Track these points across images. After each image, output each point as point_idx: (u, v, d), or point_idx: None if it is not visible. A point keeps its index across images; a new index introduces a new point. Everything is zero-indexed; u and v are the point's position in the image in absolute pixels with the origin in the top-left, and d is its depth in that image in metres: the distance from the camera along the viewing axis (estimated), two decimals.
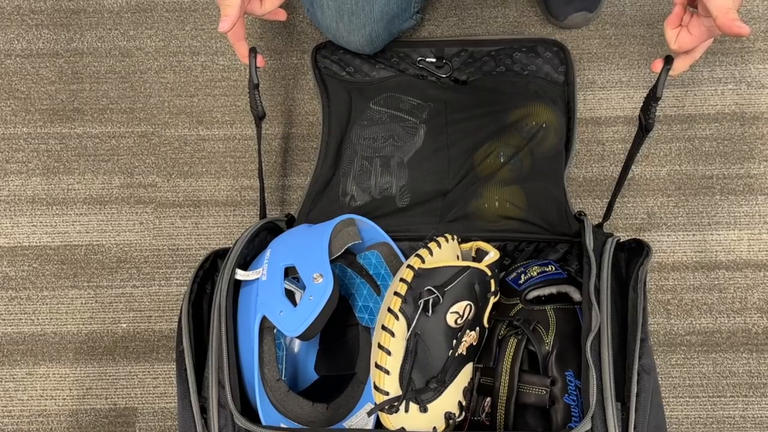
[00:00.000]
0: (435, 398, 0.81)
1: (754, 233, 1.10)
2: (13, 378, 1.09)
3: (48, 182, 1.16)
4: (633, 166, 1.12)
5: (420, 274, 0.83)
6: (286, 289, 0.84)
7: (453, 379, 0.83)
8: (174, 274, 1.12)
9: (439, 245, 0.87)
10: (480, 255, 0.92)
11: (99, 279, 1.12)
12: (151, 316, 1.11)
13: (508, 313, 0.90)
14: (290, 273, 0.86)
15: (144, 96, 1.18)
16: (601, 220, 1.03)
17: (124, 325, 1.11)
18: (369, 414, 0.85)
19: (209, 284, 0.90)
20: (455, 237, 0.92)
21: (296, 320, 0.80)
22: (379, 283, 0.92)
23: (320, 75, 1.14)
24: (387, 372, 0.79)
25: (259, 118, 0.95)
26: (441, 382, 0.82)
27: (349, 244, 0.92)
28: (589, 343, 0.78)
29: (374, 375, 0.80)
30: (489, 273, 0.86)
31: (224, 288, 0.83)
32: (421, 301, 0.81)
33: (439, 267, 0.84)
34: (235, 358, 0.83)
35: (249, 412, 0.82)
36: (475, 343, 0.86)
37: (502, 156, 1.06)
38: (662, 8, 1.18)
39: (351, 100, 1.12)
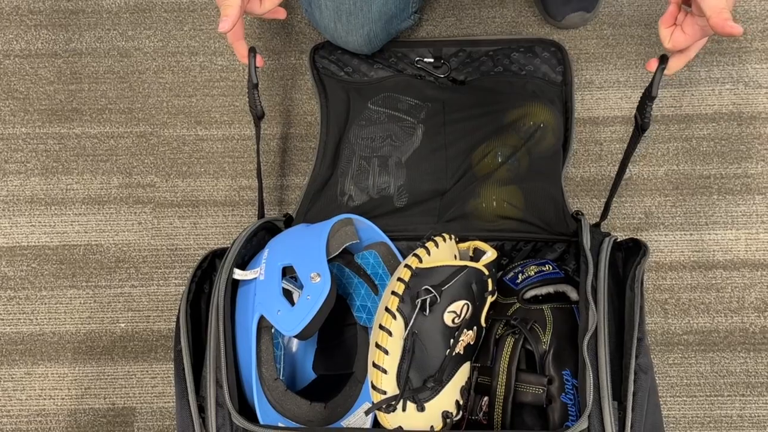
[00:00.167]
0: (432, 397, 0.81)
1: (752, 233, 1.10)
2: (12, 378, 1.10)
3: (47, 182, 1.16)
4: (631, 166, 1.12)
5: (417, 274, 0.83)
6: (283, 289, 0.84)
7: (450, 379, 0.83)
8: (172, 274, 1.12)
9: (437, 245, 0.87)
10: (477, 254, 0.92)
11: (97, 279, 1.12)
12: (149, 316, 1.11)
13: (505, 313, 0.90)
14: (288, 272, 0.86)
15: (142, 96, 1.19)
16: (598, 219, 1.03)
17: (123, 325, 1.11)
18: (366, 413, 0.85)
19: (207, 284, 0.90)
20: (453, 237, 0.92)
21: (294, 319, 0.80)
22: (376, 282, 0.92)
23: (318, 75, 1.14)
24: (384, 371, 0.79)
25: (258, 117, 0.95)
26: (438, 382, 0.82)
27: (347, 244, 0.92)
28: (585, 342, 0.78)
29: (372, 374, 0.80)
30: (486, 272, 0.87)
31: (222, 287, 0.84)
32: (419, 300, 0.81)
33: (437, 266, 0.84)
34: (233, 357, 0.83)
35: (247, 411, 0.82)
36: (472, 343, 0.86)
37: (500, 156, 1.06)
38: (659, 8, 1.18)
39: (349, 100, 1.12)
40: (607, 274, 0.84)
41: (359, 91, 1.13)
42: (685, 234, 1.10)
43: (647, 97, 0.82)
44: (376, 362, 0.80)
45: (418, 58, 1.15)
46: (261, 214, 1.03)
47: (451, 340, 0.83)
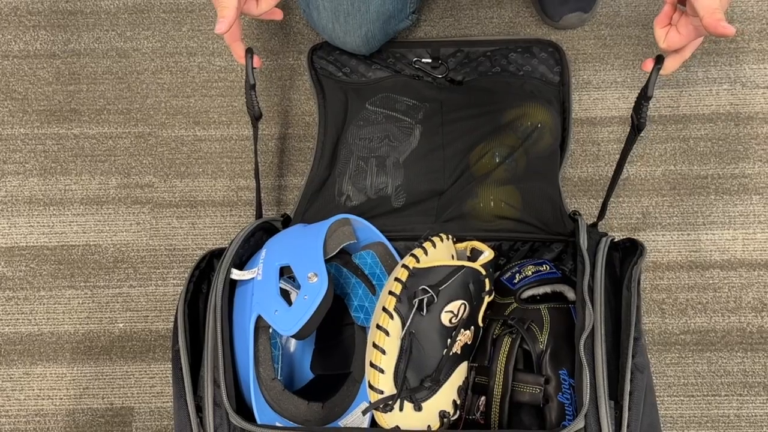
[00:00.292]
0: (429, 397, 0.82)
1: (749, 233, 1.10)
2: (11, 378, 1.10)
3: (45, 183, 1.16)
4: (628, 166, 1.13)
5: (415, 274, 0.83)
6: (281, 289, 0.84)
7: (447, 378, 0.84)
8: (171, 274, 1.12)
9: (434, 245, 0.87)
10: (475, 254, 0.93)
11: (96, 279, 1.12)
12: (147, 316, 1.11)
13: (502, 312, 0.90)
14: (285, 272, 0.86)
15: (141, 97, 1.19)
16: (595, 219, 1.03)
17: (121, 325, 1.11)
18: (364, 413, 0.85)
19: (205, 284, 0.90)
20: (450, 237, 0.92)
21: (291, 319, 0.80)
22: (374, 282, 0.92)
23: (316, 75, 1.15)
24: (381, 371, 0.80)
25: (256, 118, 0.95)
26: (435, 381, 0.82)
27: (344, 244, 0.92)
28: (582, 342, 0.78)
29: (369, 374, 0.80)
30: (483, 272, 0.87)
31: (220, 288, 0.84)
32: (416, 300, 0.82)
33: (434, 266, 0.84)
34: (231, 357, 0.83)
35: (244, 411, 0.83)
36: (469, 342, 0.86)
37: (498, 156, 1.07)
38: (657, 9, 1.18)
39: (347, 100, 1.13)
40: (604, 274, 0.85)
41: (357, 91, 1.13)
42: (682, 234, 1.10)
43: (643, 97, 0.83)
44: (373, 362, 0.80)
45: (416, 59, 1.15)
46: (259, 215, 1.03)
47: (449, 340, 0.83)
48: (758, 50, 1.16)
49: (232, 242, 0.90)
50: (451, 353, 0.83)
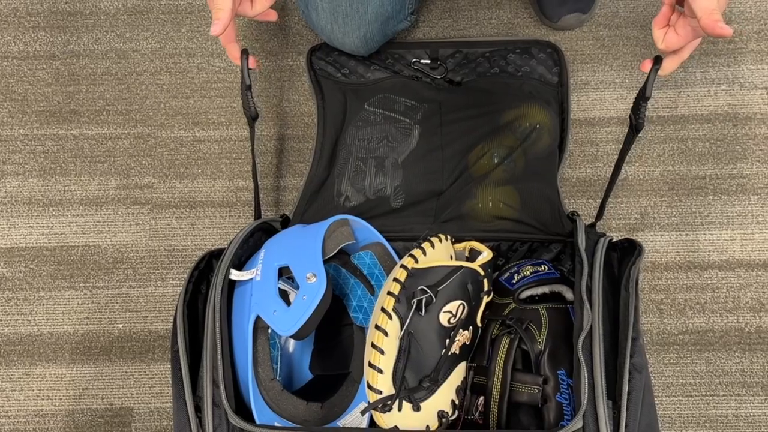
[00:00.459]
0: (428, 397, 0.82)
1: (747, 233, 1.10)
2: (10, 378, 1.10)
3: (44, 183, 1.16)
4: (626, 167, 1.13)
5: (413, 274, 0.83)
6: (280, 289, 0.84)
7: (446, 378, 0.84)
8: (170, 275, 1.12)
9: (433, 245, 0.88)
10: (473, 255, 0.93)
11: (95, 280, 1.13)
12: (147, 317, 1.11)
13: (501, 313, 0.91)
14: (284, 273, 0.87)
15: (140, 98, 1.19)
16: (593, 220, 1.04)
17: (121, 326, 1.11)
18: (362, 413, 0.85)
19: (204, 284, 0.90)
20: (449, 237, 0.92)
21: (290, 320, 0.80)
22: (373, 283, 0.93)
23: (315, 76, 1.15)
24: (380, 371, 0.80)
25: (252, 119, 0.96)
26: (434, 381, 0.82)
27: (343, 245, 0.92)
28: (580, 342, 0.78)
29: (367, 374, 0.81)
30: (482, 273, 0.87)
31: (219, 288, 0.84)
32: (414, 300, 0.82)
33: (433, 267, 0.84)
34: (230, 357, 0.83)
35: (243, 411, 0.83)
36: (468, 343, 0.87)
37: (496, 156, 1.07)
38: (655, 10, 1.18)
39: (346, 101, 1.13)
40: (602, 274, 0.85)
41: (356, 92, 1.13)
42: (680, 234, 1.10)
43: (641, 98, 0.83)
44: (372, 362, 0.80)
45: (414, 60, 1.15)
46: (258, 215, 1.04)
47: (447, 340, 0.83)
48: (756, 51, 1.16)
49: (231, 243, 0.90)
50: (449, 353, 0.83)
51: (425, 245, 0.87)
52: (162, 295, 1.12)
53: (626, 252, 0.90)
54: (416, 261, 0.85)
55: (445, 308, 0.83)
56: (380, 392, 0.80)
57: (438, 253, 0.88)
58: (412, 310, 0.82)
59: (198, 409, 0.80)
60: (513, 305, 0.91)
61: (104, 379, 1.09)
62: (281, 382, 0.87)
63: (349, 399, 0.87)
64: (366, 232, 0.97)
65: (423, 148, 1.09)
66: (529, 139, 1.07)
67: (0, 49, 1.21)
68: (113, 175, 1.16)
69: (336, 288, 0.93)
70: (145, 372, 1.09)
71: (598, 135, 1.14)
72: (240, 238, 0.90)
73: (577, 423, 0.75)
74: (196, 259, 0.91)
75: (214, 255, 0.92)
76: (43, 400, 1.09)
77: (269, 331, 0.87)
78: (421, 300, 0.82)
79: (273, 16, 0.93)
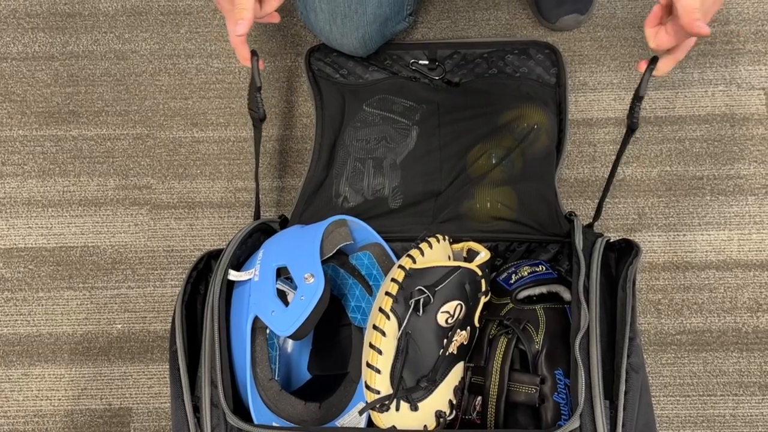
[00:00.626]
0: (426, 397, 0.82)
1: (744, 233, 1.10)
2: (9, 378, 1.10)
3: (43, 184, 1.16)
4: (624, 167, 1.13)
5: (411, 274, 0.84)
6: (278, 290, 0.84)
7: (444, 378, 0.84)
8: (168, 275, 1.13)
9: (431, 246, 0.88)
10: (471, 255, 0.93)
11: (94, 280, 1.13)
12: (145, 317, 1.11)
13: (498, 313, 0.91)
14: (282, 273, 0.87)
15: (139, 98, 1.19)
16: (591, 220, 1.04)
17: (119, 326, 1.11)
18: (360, 413, 0.85)
19: (203, 285, 0.91)
20: (447, 237, 0.93)
21: (287, 320, 0.80)
22: (371, 283, 0.93)
23: (314, 77, 1.15)
24: (378, 371, 0.80)
25: (260, 120, 0.95)
26: (432, 381, 0.82)
27: (341, 245, 0.92)
28: (577, 342, 0.79)
29: (365, 374, 0.81)
30: (479, 273, 0.87)
31: (217, 289, 0.84)
32: (412, 300, 0.82)
33: (430, 267, 0.85)
34: (228, 357, 0.83)
35: (242, 411, 0.83)
36: (465, 343, 0.87)
37: (494, 157, 1.07)
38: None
39: (344, 102, 1.13)
40: (600, 274, 0.85)
41: (354, 93, 1.13)
42: (678, 234, 1.11)
43: (636, 98, 0.83)
44: (369, 362, 0.80)
45: (413, 60, 1.15)
46: (257, 216, 1.04)
47: (445, 340, 0.84)
48: (753, 51, 1.17)
49: (229, 243, 0.90)
50: (447, 353, 0.84)
51: (423, 246, 0.87)
52: (161, 296, 1.12)
53: (623, 252, 0.90)
54: (414, 261, 0.85)
55: (443, 308, 0.83)
56: (378, 392, 0.80)
57: (436, 253, 0.88)
58: (410, 310, 0.82)
59: (196, 409, 0.81)
60: (510, 305, 0.91)
61: (103, 380, 1.10)
62: (279, 382, 0.87)
63: (348, 399, 0.88)
64: (364, 232, 0.97)
65: (421, 149, 1.09)
66: (527, 140, 1.07)
67: None
68: (112, 175, 1.16)
69: (334, 288, 0.93)
70: (143, 372, 1.10)
71: (596, 135, 1.15)
72: (238, 239, 0.91)
73: (574, 423, 0.75)
74: (195, 259, 0.91)
75: (213, 255, 0.92)
76: (42, 400, 1.09)
77: (268, 331, 0.87)
78: (418, 300, 0.82)
79: (276, 18, 0.92)
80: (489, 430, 0.86)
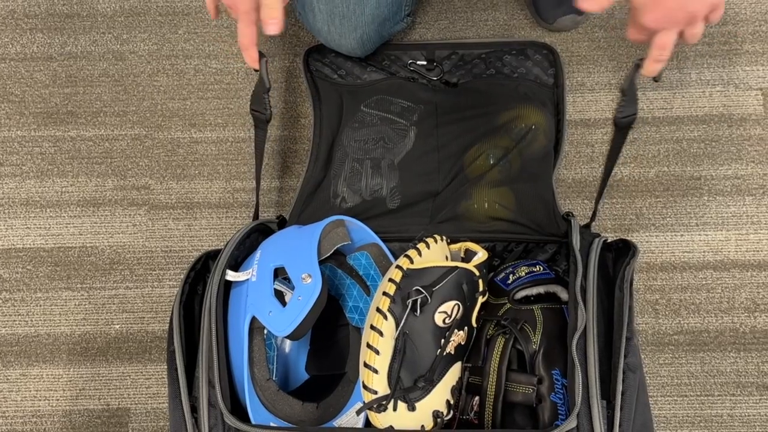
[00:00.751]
0: (423, 397, 0.82)
1: (742, 233, 1.11)
2: (7, 379, 1.10)
3: (42, 185, 1.16)
4: (621, 168, 1.13)
5: (408, 275, 0.84)
6: (275, 290, 0.84)
7: (441, 378, 0.84)
8: (167, 276, 1.13)
9: (428, 246, 0.88)
10: (469, 255, 0.93)
11: (92, 281, 1.13)
12: (144, 318, 1.11)
13: (496, 313, 0.91)
14: (280, 274, 0.87)
15: (137, 99, 1.19)
16: (588, 220, 1.04)
17: (117, 326, 1.11)
18: (358, 413, 0.85)
19: (201, 285, 0.91)
20: (444, 238, 0.93)
21: (285, 320, 0.80)
22: (368, 283, 0.93)
23: (312, 78, 1.15)
24: (375, 371, 0.80)
25: (266, 121, 0.96)
26: (429, 381, 0.82)
27: (339, 245, 0.92)
28: (575, 342, 0.79)
29: (363, 374, 0.81)
30: (477, 273, 0.87)
31: (215, 289, 0.84)
32: (410, 300, 0.82)
33: (428, 267, 0.85)
34: (226, 358, 0.83)
35: (239, 411, 0.83)
36: (463, 343, 0.87)
37: (492, 157, 1.07)
38: None
39: (342, 102, 1.13)
40: (597, 274, 0.85)
41: (352, 93, 1.13)
42: (675, 235, 1.11)
43: (620, 92, 0.85)
44: (367, 362, 0.80)
45: (411, 61, 1.16)
46: (256, 216, 1.04)
47: (442, 341, 0.84)
48: (751, 52, 1.17)
49: (227, 244, 0.90)
50: (444, 353, 0.84)
51: (421, 246, 0.87)
52: (159, 296, 1.12)
53: (621, 252, 0.90)
54: (411, 261, 0.85)
55: (441, 308, 0.83)
56: (375, 392, 0.80)
57: (433, 253, 0.88)
58: (408, 310, 0.82)
59: (194, 410, 0.81)
60: (508, 305, 0.91)
61: (101, 380, 1.10)
62: (277, 382, 0.87)
63: (345, 399, 0.88)
64: (362, 232, 0.97)
65: (419, 149, 1.09)
66: (524, 140, 1.07)
67: None
68: (110, 176, 1.16)
69: (332, 288, 0.93)
70: (141, 373, 1.10)
71: (594, 136, 1.15)
72: (236, 239, 0.91)
73: (572, 422, 0.75)
74: (193, 260, 0.91)
75: (211, 256, 0.92)
76: (40, 400, 1.09)
77: (265, 331, 0.87)
78: (416, 300, 0.82)
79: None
80: (486, 430, 0.86)
